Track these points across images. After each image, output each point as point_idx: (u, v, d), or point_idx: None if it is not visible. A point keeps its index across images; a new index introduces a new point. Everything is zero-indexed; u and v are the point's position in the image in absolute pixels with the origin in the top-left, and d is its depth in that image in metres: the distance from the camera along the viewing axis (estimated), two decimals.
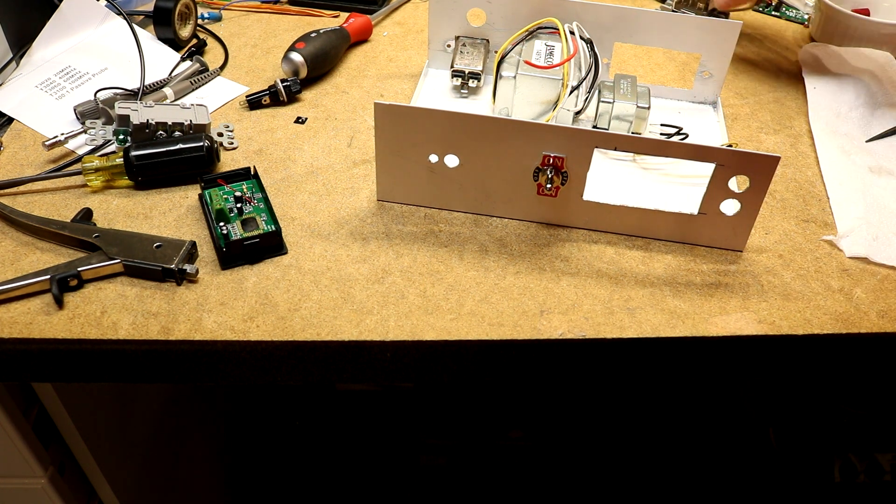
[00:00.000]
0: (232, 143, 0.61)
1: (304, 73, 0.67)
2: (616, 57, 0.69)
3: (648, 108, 0.59)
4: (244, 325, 0.46)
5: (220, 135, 0.61)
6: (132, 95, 0.63)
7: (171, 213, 0.54)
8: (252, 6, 0.82)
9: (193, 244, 0.50)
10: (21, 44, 0.70)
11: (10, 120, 0.62)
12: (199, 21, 0.77)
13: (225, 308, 0.47)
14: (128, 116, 0.57)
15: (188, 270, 0.48)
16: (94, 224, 0.52)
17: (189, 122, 0.58)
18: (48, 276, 0.46)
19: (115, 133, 0.58)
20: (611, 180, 0.57)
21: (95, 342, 0.45)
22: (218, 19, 0.79)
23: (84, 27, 0.71)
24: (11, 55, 0.69)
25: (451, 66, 0.66)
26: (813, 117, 0.66)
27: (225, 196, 0.52)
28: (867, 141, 0.63)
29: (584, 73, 0.59)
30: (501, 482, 1.22)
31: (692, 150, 0.48)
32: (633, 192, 0.56)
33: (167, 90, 0.65)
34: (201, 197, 0.54)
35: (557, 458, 1.25)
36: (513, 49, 0.60)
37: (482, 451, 1.25)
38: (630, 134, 0.56)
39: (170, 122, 0.57)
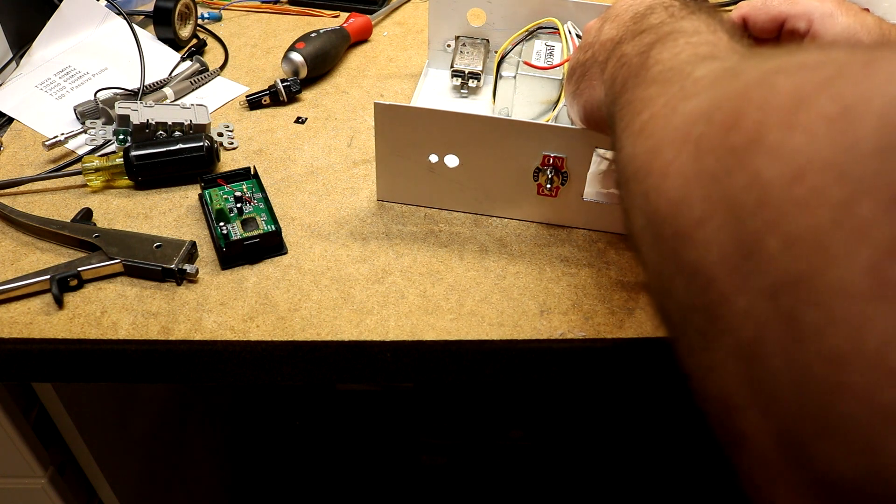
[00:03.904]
0: (232, 143, 0.61)
1: (304, 73, 0.67)
2: None
3: None
4: (244, 325, 0.45)
5: (220, 135, 0.61)
6: (132, 95, 0.63)
7: (171, 213, 0.54)
8: (252, 6, 0.82)
9: (193, 244, 0.50)
10: (21, 44, 0.70)
11: (10, 120, 0.62)
12: (199, 21, 0.77)
13: (225, 308, 0.47)
14: (128, 116, 0.57)
15: (188, 270, 0.48)
16: (94, 224, 0.52)
17: (189, 122, 0.58)
18: (48, 276, 0.46)
19: (115, 133, 0.58)
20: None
21: (95, 342, 0.45)
22: (218, 19, 0.79)
23: (84, 27, 0.71)
24: (11, 55, 0.69)
25: (451, 66, 0.66)
26: None
27: (225, 196, 0.52)
28: None
29: None
30: (501, 482, 1.22)
31: None
32: None
33: (167, 90, 0.65)
34: (201, 197, 0.54)
35: (557, 458, 1.25)
36: (513, 49, 0.60)
37: (482, 451, 1.25)
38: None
39: (170, 122, 0.57)
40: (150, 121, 0.57)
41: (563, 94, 0.57)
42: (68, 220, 0.52)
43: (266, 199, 0.53)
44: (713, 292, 0.21)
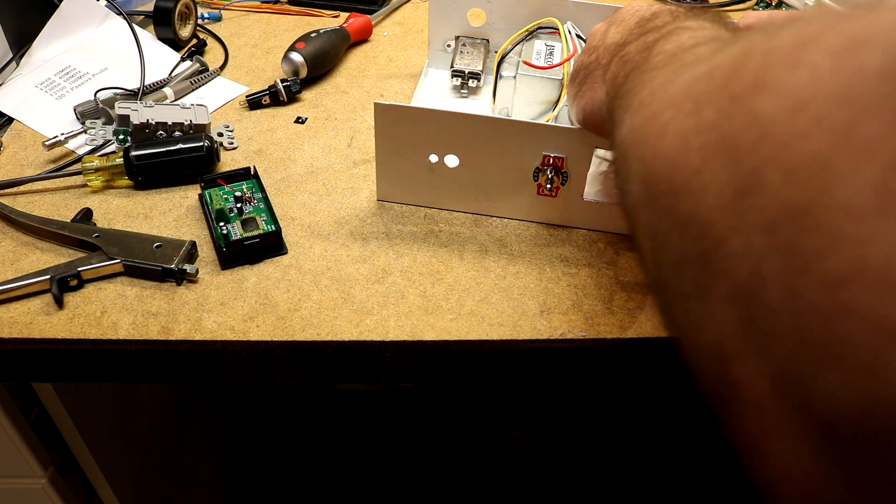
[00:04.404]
0: (232, 143, 0.61)
1: (304, 73, 0.67)
2: None
3: None
4: (244, 325, 0.45)
5: (220, 135, 0.61)
6: (132, 95, 0.63)
7: (171, 213, 0.54)
8: (252, 6, 0.82)
9: (193, 244, 0.50)
10: (21, 44, 0.70)
11: (10, 120, 0.62)
12: (199, 21, 0.77)
13: (225, 308, 0.47)
14: (128, 116, 0.57)
15: (188, 270, 0.48)
16: (94, 224, 0.52)
17: (189, 122, 0.58)
18: (48, 276, 0.46)
19: (115, 133, 0.58)
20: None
21: (95, 342, 0.45)
22: (218, 19, 0.79)
23: (84, 27, 0.71)
24: (11, 55, 0.69)
25: (451, 66, 0.66)
26: None
27: (225, 196, 0.52)
28: None
29: None
30: (501, 482, 1.22)
31: None
32: None
33: (167, 90, 0.65)
34: (201, 197, 0.54)
35: (557, 458, 1.25)
36: (513, 49, 0.60)
37: (482, 451, 1.26)
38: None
39: (170, 122, 0.57)
40: (150, 121, 0.57)
41: (563, 94, 0.57)
42: (68, 220, 0.52)
43: (266, 199, 0.53)
44: (708, 238, 0.20)
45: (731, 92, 0.21)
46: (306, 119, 0.64)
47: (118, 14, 0.71)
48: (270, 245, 0.50)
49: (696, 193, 0.21)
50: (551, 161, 0.50)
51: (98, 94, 0.61)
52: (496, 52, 0.62)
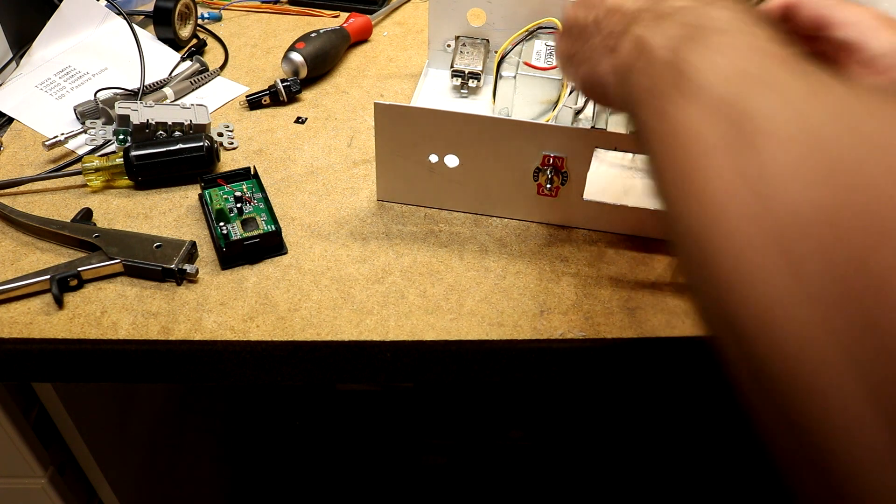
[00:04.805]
0: (232, 143, 0.61)
1: (304, 73, 0.67)
2: None
3: None
4: (244, 325, 0.45)
5: (220, 135, 0.61)
6: (132, 95, 0.63)
7: (171, 213, 0.54)
8: (252, 6, 0.82)
9: (193, 244, 0.50)
10: (21, 44, 0.70)
11: (10, 120, 0.62)
12: (199, 21, 0.77)
13: (225, 308, 0.47)
14: (128, 116, 0.57)
15: (188, 270, 0.48)
16: (94, 224, 0.52)
17: (189, 122, 0.58)
18: (48, 276, 0.46)
19: (115, 133, 0.58)
20: (611, 180, 0.57)
21: (95, 342, 0.45)
22: (218, 19, 0.79)
23: (84, 27, 0.71)
24: (11, 55, 0.69)
25: (451, 66, 0.66)
26: None
27: (225, 196, 0.52)
28: None
29: None
30: (501, 482, 1.22)
31: None
32: (632, 191, 0.56)
33: (167, 90, 0.65)
34: (201, 197, 0.54)
35: (557, 458, 1.25)
36: (513, 49, 0.60)
37: (482, 451, 1.26)
38: (630, 133, 0.56)
39: (170, 122, 0.57)
40: (150, 121, 0.57)
41: (563, 94, 0.57)
42: (68, 220, 0.52)
43: (266, 199, 0.53)
44: (847, 475, 0.17)
45: (861, 302, 0.17)
46: (306, 119, 0.64)
47: (118, 14, 0.71)
48: (270, 245, 0.50)
49: (834, 422, 0.18)
50: (551, 161, 0.50)
51: (98, 94, 0.61)
52: (496, 52, 0.62)
